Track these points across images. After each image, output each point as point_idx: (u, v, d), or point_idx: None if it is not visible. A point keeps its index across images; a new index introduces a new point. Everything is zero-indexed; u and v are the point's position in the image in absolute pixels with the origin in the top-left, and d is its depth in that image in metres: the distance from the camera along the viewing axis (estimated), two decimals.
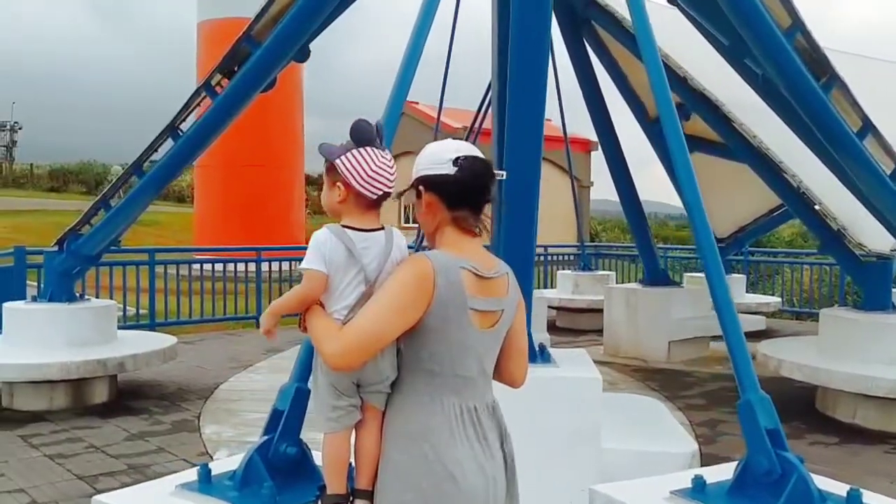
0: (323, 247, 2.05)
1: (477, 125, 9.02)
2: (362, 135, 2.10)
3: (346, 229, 2.08)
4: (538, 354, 4.46)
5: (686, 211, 3.42)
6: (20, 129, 50.97)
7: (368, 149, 2.09)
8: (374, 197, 2.09)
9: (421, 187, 2.09)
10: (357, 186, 2.07)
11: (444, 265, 1.98)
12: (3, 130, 49.67)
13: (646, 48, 3.64)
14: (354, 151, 2.08)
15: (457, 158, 2.05)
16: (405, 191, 2.15)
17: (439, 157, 2.07)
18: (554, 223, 20.57)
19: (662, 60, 3.83)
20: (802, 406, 7.10)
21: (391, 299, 1.96)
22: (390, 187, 2.11)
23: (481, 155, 2.10)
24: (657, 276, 9.94)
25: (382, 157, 2.10)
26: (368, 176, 2.07)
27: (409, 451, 2.00)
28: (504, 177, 2.10)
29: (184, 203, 34.29)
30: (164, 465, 5.34)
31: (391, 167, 2.11)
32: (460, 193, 2.06)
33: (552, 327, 10.76)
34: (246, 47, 6.10)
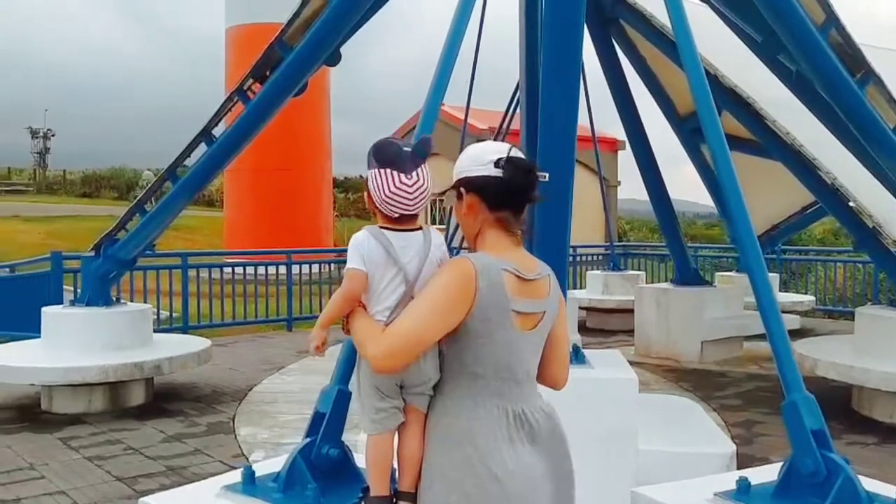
0: (361, 247, 2.08)
1: (504, 126, 9.01)
2: (382, 156, 2.09)
3: (383, 230, 2.10)
4: (572, 355, 4.45)
5: (725, 210, 3.40)
6: (53, 136, 51.93)
7: (387, 171, 2.07)
8: (393, 217, 2.09)
9: (462, 189, 2.10)
10: (377, 203, 2.10)
11: (486, 267, 1.99)
12: (37, 138, 50.60)
13: (685, 50, 3.61)
14: (376, 171, 2.08)
15: (498, 160, 2.05)
16: (445, 192, 2.15)
17: (481, 158, 2.08)
18: (582, 223, 20.46)
19: None
20: (839, 406, 7.00)
21: (433, 301, 1.97)
22: (410, 209, 2.08)
23: (523, 156, 2.10)
24: (688, 276, 9.85)
25: (402, 180, 2.06)
26: (385, 197, 2.07)
27: (453, 453, 2.00)
28: (547, 178, 2.09)
29: (213, 207, 34.63)
30: (201, 467, 5.41)
31: (412, 191, 2.07)
32: (502, 194, 2.06)
33: (582, 328, 10.72)
34: (278, 52, 6.16)
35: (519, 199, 2.09)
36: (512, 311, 2.01)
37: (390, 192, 2.06)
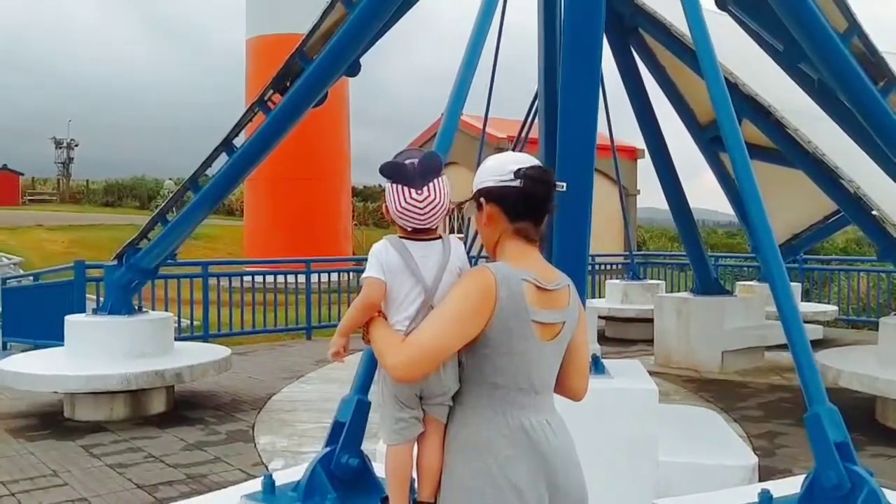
0: (380, 256, 2.09)
1: (523, 134, 9.01)
2: (388, 175, 2.10)
3: (403, 240, 2.11)
4: (592, 366, 4.43)
5: (746, 219, 3.38)
6: (76, 146, 52.65)
7: (399, 186, 2.08)
8: (408, 229, 2.11)
9: (482, 199, 2.10)
10: (392, 216, 2.12)
11: (506, 277, 1.99)
12: (61, 148, 51.31)
13: (705, 58, 3.60)
14: (390, 185, 2.10)
15: (518, 170, 2.05)
16: (465, 202, 2.16)
17: (501, 168, 2.08)
18: (601, 232, 20.39)
19: None
20: (862, 417, 6.91)
21: (453, 311, 1.97)
22: (422, 223, 2.09)
23: (543, 166, 2.10)
24: (709, 285, 9.77)
25: (413, 196, 2.07)
26: (398, 211, 2.09)
27: (473, 463, 2.00)
28: (564, 188, 2.09)
29: (233, 216, 34.92)
30: (221, 475, 5.42)
31: (422, 207, 2.07)
32: (522, 205, 2.07)
33: (601, 337, 10.69)
34: (298, 63, 6.21)
35: (538, 209, 2.09)
36: (532, 321, 2.01)
37: (401, 206, 2.08)
